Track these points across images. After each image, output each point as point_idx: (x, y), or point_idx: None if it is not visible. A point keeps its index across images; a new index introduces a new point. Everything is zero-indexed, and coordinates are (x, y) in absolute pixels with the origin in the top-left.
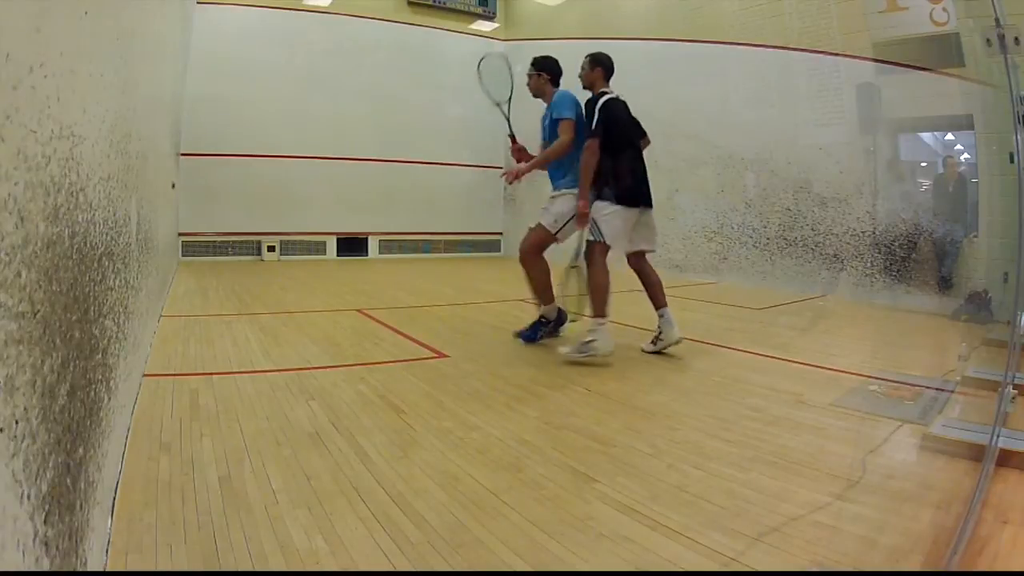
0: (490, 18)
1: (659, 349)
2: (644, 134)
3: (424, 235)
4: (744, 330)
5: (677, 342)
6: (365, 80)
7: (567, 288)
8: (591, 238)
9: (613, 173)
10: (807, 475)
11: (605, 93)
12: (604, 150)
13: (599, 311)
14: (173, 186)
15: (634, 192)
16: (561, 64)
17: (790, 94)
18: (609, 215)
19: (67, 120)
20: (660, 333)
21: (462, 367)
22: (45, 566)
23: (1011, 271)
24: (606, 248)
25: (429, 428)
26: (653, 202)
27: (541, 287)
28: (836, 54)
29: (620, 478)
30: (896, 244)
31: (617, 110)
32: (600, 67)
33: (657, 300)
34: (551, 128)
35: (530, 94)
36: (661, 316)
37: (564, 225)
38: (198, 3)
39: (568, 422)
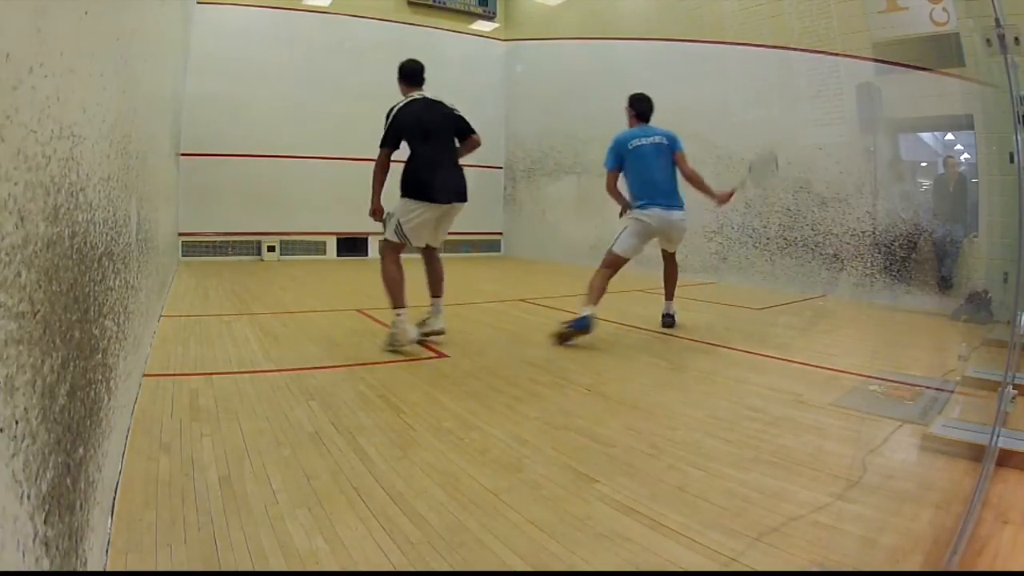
0: (490, 18)
1: (424, 333)
2: (463, 132)
3: None
4: (744, 330)
5: (440, 331)
6: (365, 80)
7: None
8: (391, 237)
9: (411, 172)
10: (807, 475)
11: (402, 101)
12: (411, 152)
13: (397, 302)
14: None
15: (429, 188)
16: (560, 64)
17: (790, 94)
18: (410, 215)
19: (67, 120)
20: (427, 319)
21: (462, 367)
22: (45, 566)
23: (1011, 271)
24: (398, 246)
25: (429, 428)
26: (465, 197)
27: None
28: (836, 54)
29: (620, 478)
30: (896, 244)
31: (406, 114)
32: (400, 76)
33: (433, 290)
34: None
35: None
36: (433, 305)
37: (617, 239)
38: (198, 3)
39: (568, 422)
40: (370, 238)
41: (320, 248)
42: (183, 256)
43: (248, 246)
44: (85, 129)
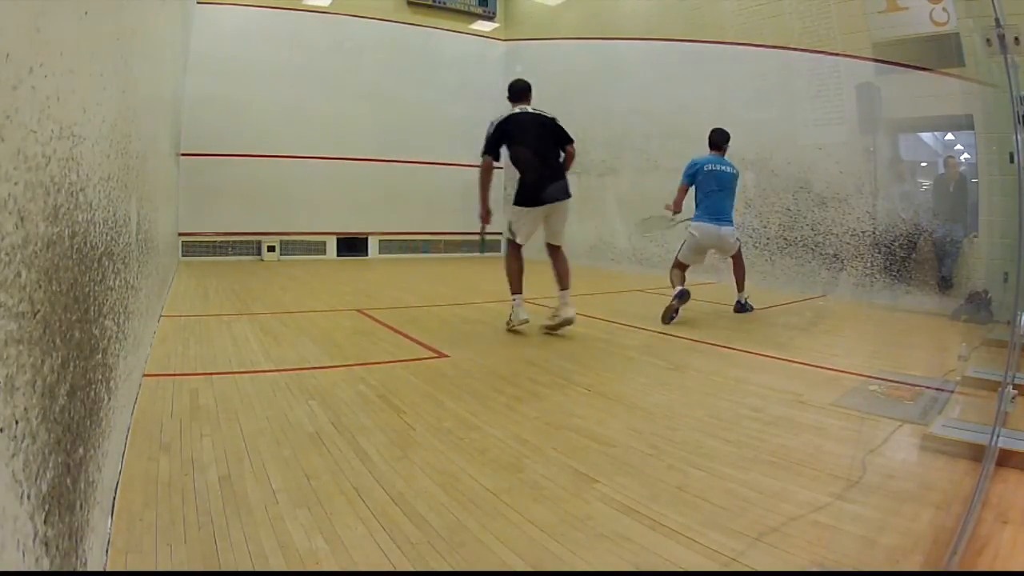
0: (490, 18)
1: (554, 324)
2: (562, 141)
3: (424, 235)
4: (744, 330)
5: (568, 321)
6: (365, 80)
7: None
8: (508, 236)
9: (517, 181)
10: (807, 475)
11: (504, 114)
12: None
13: (513, 289)
14: None
15: (524, 194)
16: (561, 64)
17: (790, 94)
18: (516, 217)
19: (67, 120)
20: (557, 310)
21: (462, 367)
22: (45, 566)
23: (1011, 271)
24: (515, 246)
25: (429, 428)
26: (565, 195)
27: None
28: (836, 54)
29: (620, 478)
30: (896, 244)
31: (506, 126)
32: (509, 93)
33: (560, 284)
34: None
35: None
36: (561, 297)
37: (680, 249)
38: (198, 3)
39: (568, 422)
40: (370, 238)
41: (320, 248)
42: (183, 256)
43: (248, 246)
44: (85, 129)
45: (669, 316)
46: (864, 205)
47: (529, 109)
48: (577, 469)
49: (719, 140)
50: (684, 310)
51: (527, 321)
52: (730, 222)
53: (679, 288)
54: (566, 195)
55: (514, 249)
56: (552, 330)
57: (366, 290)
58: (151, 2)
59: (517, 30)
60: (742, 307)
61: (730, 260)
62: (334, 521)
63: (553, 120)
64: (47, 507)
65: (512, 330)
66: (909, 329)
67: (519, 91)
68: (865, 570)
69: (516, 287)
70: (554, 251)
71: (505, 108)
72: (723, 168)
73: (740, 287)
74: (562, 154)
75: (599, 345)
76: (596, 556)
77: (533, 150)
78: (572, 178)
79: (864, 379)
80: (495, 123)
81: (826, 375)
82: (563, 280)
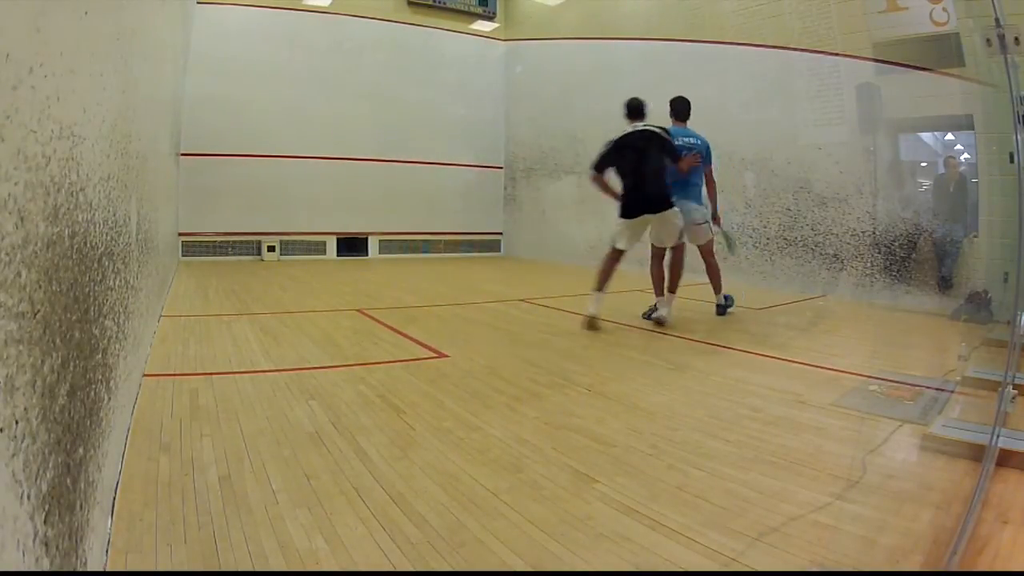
0: (490, 18)
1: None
2: (671, 156)
3: (424, 235)
4: (744, 330)
5: (657, 321)
6: (365, 80)
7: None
8: (611, 241)
9: (621, 193)
10: (807, 475)
11: (620, 133)
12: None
13: (594, 285)
14: None
15: (624, 208)
16: (560, 64)
17: (790, 94)
18: (618, 227)
19: (67, 120)
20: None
21: (462, 367)
22: (45, 566)
23: (1011, 271)
24: (615, 250)
25: (429, 428)
26: (663, 207)
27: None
28: (836, 54)
29: (620, 478)
30: (896, 244)
31: (617, 144)
32: (625, 111)
33: (669, 285)
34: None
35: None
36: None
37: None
38: (198, 3)
39: (568, 422)
40: (370, 238)
41: (320, 248)
42: (183, 256)
43: (248, 246)
44: (85, 129)
45: (649, 314)
46: (864, 205)
47: (640, 126)
48: (577, 469)
49: (685, 110)
50: (684, 310)
51: (593, 316)
52: (698, 198)
53: (663, 312)
54: (660, 208)
55: (612, 252)
56: (658, 324)
57: (366, 290)
58: (151, 2)
59: (517, 30)
60: (722, 308)
61: (700, 257)
62: (334, 521)
63: (660, 137)
64: (47, 507)
65: (590, 323)
66: (909, 329)
67: (633, 109)
68: (865, 570)
69: (598, 284)
70: (671, 255)
71: (503, 109)
72: (690, 140)
73: (716, 288)
74: (668, 165)
75: (599, 345)
76: (596, 556)
77: (634, 166)
78: (572, 178)
79: (864, 379)
80: (610, 141)
81: (826, 375)
82: (669, 283)
